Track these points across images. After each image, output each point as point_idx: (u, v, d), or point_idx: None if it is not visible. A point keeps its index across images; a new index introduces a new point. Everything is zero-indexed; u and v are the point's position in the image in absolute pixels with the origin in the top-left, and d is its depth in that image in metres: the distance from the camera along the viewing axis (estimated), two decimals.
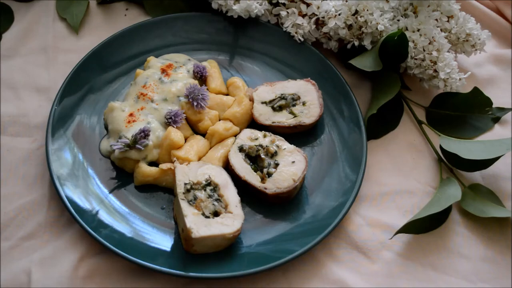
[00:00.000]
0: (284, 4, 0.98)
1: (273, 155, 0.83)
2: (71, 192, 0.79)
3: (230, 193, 0.79)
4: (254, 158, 0.84)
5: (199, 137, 0.88)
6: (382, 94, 0.90)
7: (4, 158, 0.86)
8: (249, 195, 0.82)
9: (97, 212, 0.78)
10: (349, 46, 0.95)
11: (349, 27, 0.94)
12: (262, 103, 0.90)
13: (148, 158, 0.84)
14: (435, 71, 0.92)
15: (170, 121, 0.86)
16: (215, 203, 0.77)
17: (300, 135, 0.89)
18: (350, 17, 0.92)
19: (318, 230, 0.78)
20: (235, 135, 0.87)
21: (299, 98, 0.90)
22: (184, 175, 0.79)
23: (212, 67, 0.94)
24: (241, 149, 0.84)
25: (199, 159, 0.84)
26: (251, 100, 0.90)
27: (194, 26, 0.99)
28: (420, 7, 0.94)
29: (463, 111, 0.94)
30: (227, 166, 0.84)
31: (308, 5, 0.95)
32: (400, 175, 0.88)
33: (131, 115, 0.86)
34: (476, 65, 1.02)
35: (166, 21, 0.99)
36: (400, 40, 0.89)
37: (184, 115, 0.87)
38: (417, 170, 0.89)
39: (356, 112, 0.89)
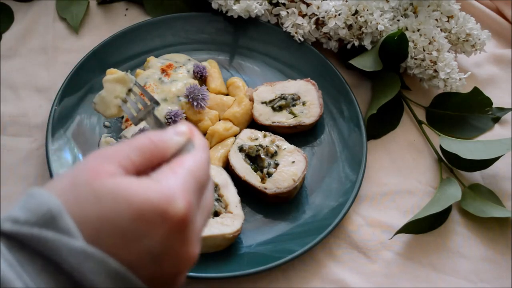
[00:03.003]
0: (284, 4, 0.98)
1: (273, 155, 0.83)
2: None
3: (230, 193, 0.79)
4: (254, 158, 0.84)
5: None
6: (382, 94, 0.90)
7: (4, 158, 0.86)
8: (249, 195, 0.82)
9: None
10: (349, 46, 0.95)
11: (349, 27, 0.94)
12: (262, 103, 0.90)
13: None
14: (435, 71, 0.92)
15: (170, 121, 0.85)
16: (215, 203, 0.77)
17: (300, 135, 0.89)
18: (350, 17, 0.92)
19: (318, 230, 0.78)
20: (235, 135, 0.87)
21: (299, 98, 0.90)
22: None
23: (212, 67, 0.94)
24: (241, 149, 0.84)
25: None
26: (251, 100, 0.90)
27: (194, 26, 0.99)
28: (420, 7, 0.94)
29: (463, 111, 0.94)
30: (227, 166, 0.84)
31: (308, 5, 0.95)
32: (400, 175, 0.88)
33: None
34: (476, 65, 1.02)
35: (166, 21, 0.99)
36: (400, 40, 0.89)
37: (184, 115, 0.87)
38: (417, 170, 0.89)
39: (356, 112, 0.89)
